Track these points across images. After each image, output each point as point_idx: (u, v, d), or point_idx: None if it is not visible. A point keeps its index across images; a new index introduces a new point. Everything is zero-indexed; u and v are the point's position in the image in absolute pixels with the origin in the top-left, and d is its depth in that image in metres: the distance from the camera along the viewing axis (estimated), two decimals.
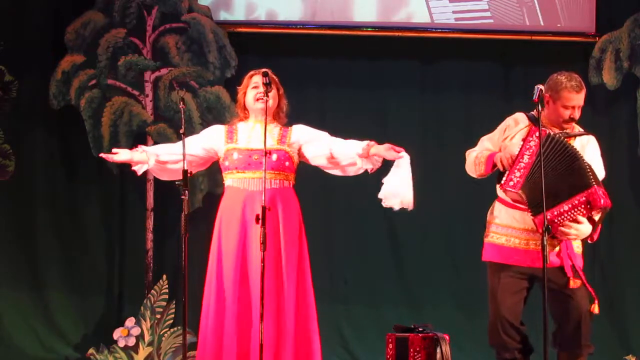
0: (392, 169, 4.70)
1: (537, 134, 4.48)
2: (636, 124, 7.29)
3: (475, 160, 4.80)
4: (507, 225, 4.75)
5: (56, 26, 7.37)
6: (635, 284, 7.38)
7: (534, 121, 4.63)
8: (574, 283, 4.62)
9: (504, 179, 4.56)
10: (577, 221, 4.52)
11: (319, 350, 4.72)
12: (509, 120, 4.88)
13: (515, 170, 4.52)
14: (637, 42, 7.28)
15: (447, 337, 5.50)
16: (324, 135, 4.90)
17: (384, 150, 4.71)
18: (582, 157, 4.56)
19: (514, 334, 4.75)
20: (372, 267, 7.48)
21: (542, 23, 7.49)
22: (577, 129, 4.81)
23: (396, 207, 4.66)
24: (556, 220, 4.49)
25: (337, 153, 4.82)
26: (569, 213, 4.51)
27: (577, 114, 4.71)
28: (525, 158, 4.52)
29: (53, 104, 7.27)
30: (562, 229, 4.52)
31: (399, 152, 4.67)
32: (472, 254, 7.27)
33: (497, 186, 4.73)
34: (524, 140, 4.60)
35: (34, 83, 7.36)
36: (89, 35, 7.25)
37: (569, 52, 7.50)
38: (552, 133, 4.57)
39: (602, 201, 4.50)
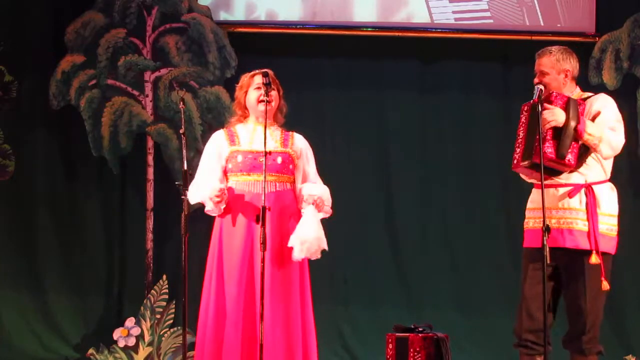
0: (301, 219, 4.69)
1: (525, 109, 4.60)
2: (636, 124, 7.28)
3: None
4: (534, 208, 4.75)
5: (56, 26, 7.38)
6: (635, 284, 7.38)
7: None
8: (595, 259, 4.59)
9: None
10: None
11: (315, 353, 4.71)
12: None
13: (516, 148, 4.61)
14: (637, 42, 7.28)
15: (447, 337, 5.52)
16: (314, 168, 4.86)
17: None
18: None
19: (533, 324, 4.66)
20: (372, 267, 7.47)
21: (542, 23, 7.49)
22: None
23: (303, 255, 4.61)
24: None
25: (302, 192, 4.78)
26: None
27: (541, 79, 4.74)
28: (520, 134, 4.62)
29: (53, 104, 7.27)
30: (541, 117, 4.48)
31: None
32: (472, 254, 7.35)
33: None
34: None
35: (34, 83, 7.36)
36: (89, 35, 7.25)
37: None
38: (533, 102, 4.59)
39: (554, 92, 4.57)
